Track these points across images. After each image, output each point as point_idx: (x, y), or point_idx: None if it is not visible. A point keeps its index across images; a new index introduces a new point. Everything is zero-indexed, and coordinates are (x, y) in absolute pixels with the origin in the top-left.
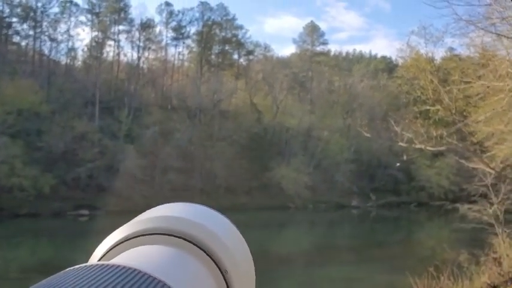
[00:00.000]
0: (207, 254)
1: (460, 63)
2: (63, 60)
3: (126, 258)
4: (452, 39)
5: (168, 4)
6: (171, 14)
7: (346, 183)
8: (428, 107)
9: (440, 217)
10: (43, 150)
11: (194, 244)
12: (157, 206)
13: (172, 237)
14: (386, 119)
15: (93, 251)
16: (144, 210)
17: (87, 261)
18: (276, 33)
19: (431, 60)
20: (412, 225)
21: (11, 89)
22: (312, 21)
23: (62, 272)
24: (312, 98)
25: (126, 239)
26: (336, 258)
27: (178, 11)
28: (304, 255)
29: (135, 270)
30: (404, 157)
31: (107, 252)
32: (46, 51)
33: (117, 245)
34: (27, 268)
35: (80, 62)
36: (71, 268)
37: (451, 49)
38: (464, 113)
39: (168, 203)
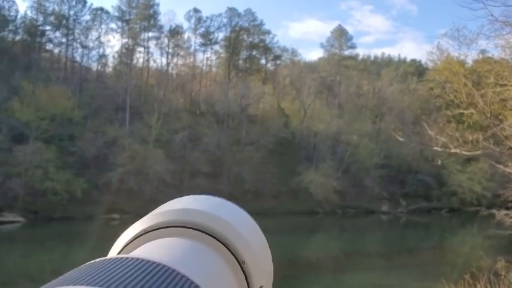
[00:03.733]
0: (225, 246)
1: (495, 65)
2: (95, 66)
3: (145, 251)
4: (486, 41)
5: (196, 10)
6: (199, 20)
7: (376, 188)
8: (461, 111)
9: (473, 223)
10: (75, 155)
11: (212, 236)
12: (175, 199)
13: (191, 229)
14: (416, 123)
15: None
16: None
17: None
18: (301, 37)
19: (464, 63)
20: (444, 231)
21: (45, 95)
22: (339, 25)
23: (83, 265)
24: (340, 102)
25: (145, 232)
26: (365, 264)
27: (207, 17)
28: (333, 261)
29: (154, 262)
30: (439, 162)
31: (126, 245)
32: (78, 58)
33: (136, 238)
34: (60, 271)
35: (110, 69)
36: (92, 261)
37: (484, 51)
38: (500, 117)
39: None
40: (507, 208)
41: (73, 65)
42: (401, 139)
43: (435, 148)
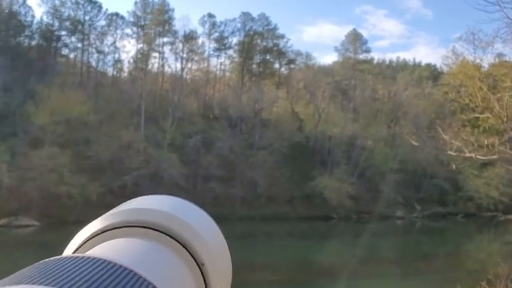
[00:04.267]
0: (184, 247)
1: None
2: (110, 71)
3: (101, 251)
4: (503, 44)
5: (210, 15)
6: (213, 25)
7: (391, 193)
8: (477, 115)
9: (490, 229)
10: (90, 159)
11: (170, 237)
12: (134, 199)
13: (149, 229)
14: (431, 127)
15: None
16: None
17: None
18: (315, 41)
19: (479, 66)
20: (460, 237)
21: (60, 99)
22: (354, 29)
23: (36, 263)
24: (355, 107)
25: (102, 231)
26: (380, 270)
27: (221, 22)
28: (347, 267)
29: (110, 262)
30: (453, 166)
31: (82, 244)
32: (93, 63)
33: (92, 237)
34: None
35: (125, 74)
36: (46, 260)
37: (500, 55)
38: None
39: (209, 211)
40: None
41: (88, 70)
42: (416, 143)
43: (449, 152)
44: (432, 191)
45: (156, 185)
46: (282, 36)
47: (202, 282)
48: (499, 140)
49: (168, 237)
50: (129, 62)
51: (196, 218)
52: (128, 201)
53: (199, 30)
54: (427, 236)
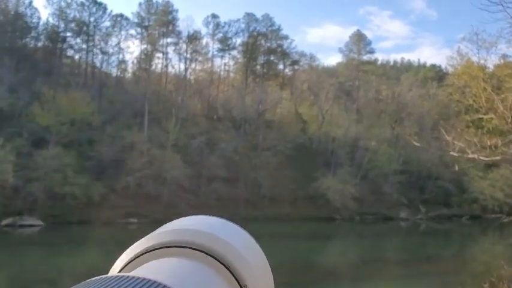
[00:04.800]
0: (227, 268)
1: None
2: (114, 72)
3: (145, 271)
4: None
5: (214, 16)
6: (217, 25)
7: (395, 194)
8: (481, 116)
9: (495, 231)
10: (94, 160)
11: (214, 257)
12: (178, 219)
13: (193, 250)
14: (436, 128)
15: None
16: None
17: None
18: (319, 42)
19: (483, 67)
20: (465, 239)
21: (65, 100)
22: (358, 30)
23: (83, 282)
24: (359, 108)
25: (146, 251)
26: (383, 272)
27: (225, 23)
28: (350, 268)
29: (155, 282)
30: (456, 167)
31: (127, 264)
32: (98, 64)
33: (137, 257)
34: (77, 275)
35: (129, 74)
36: (92, 279)
37: (505, 56)
38: None
39: (213, 212)
40: None
41: (93, 71)
42: (418, 144)
43: (452, 153)
44: (437, 192)
45: (159, 185)
46: (286, 37)
47: None
48: (503, 141)
49: (212, 258)
50: (133, 62)
51: (238, 238)
52: (172, 222)
53: (203, 30)
54: (432, 237)
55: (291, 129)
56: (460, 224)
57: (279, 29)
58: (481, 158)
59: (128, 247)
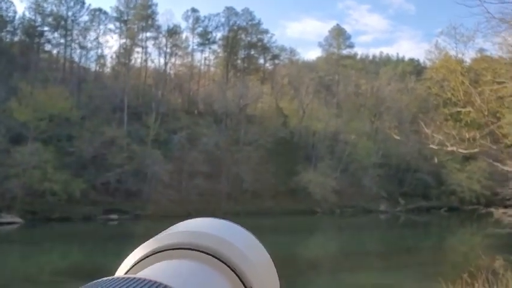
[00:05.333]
0: (232, 270)
1: (492, 63)
2: (93, 67)
3: (152, 272)
4: (483, 39)
5: (194, 10)
6: (197, 19)
7: (374, 187)
8: (459, 109)
9: (472, 222)
10: (73, 155)
11: (219, 259)
12: (184, 221)
13: (198, 252)
14: (414, 122)
15: (124, 255)
16: (171, 215)
17: (116, 267)
18: (298, 37)
19: (461, 61)
20: (443, 230)
21: (43, 96)
22: (337, 24)
23: (89, 283)
24: (339, 102)
25: (153, 253)
26: (364, 264)
27: (204, 17)
28: (331, 261)
29: (161, 284)
30: (436, 160)
31: (134, 265)
32: (76, 59)
33: (143, 258)
34: (58, 272)
35: (108, 69)
36: (99, 280)
37: (482, 50)
38: (498, 115)
39: (195, 207)
40: (505, 206)
41: (71, 66)
42: (398, 137)
43: (431, 146)
44: (415, 185)
45: (140, 181)
46: (266, 32)
47: None
48: (480, 134)
49: (217, 260)
50: (112, 57)
51: (244, 240)
52: (178, 224)
53: (183, 25)
54: (411, 229)
55: (272, 124)
56: (438, 216)
57: (259, 23)
58: (460, 150)
59: (109, 243)
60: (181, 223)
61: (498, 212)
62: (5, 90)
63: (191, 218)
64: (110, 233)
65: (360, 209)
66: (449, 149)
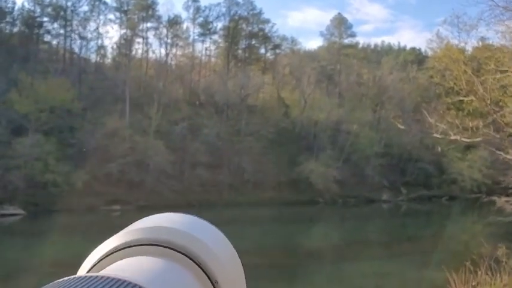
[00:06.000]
0: (197, 265)
1: (495, 52)
2: (93, 58)
3: (116, 270)
4: (486, 28)
5: (194, 0)
6: (198, 9)
7: (376, 177)
8: (461, 98)
9: (474, 211)
10: (75, 147)
11: (184, 255)
12: (147, 217)
13: (163, 247)
14: (416, 111)
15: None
16: (174, 205)
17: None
18: (299, 26)
19: (464, 50)
20: (445, 219)
21: (44, 87)
22: (339, 13)
23: (50, 284)
24: (341, 91)
25: (116, 250)
26: (366, 253)
27: (205, 7)
28: (334, 250)
29: (124, 281)
30: (439, 149)
31: (96, 263)
32: (76, 50)
33: (106, 256)
34: (61, 263)
35: (109, 60)
36: (60, 280)
37: (484, 38)
38: (500, 104)
39: (197, 198)
40: (507, 195)
41: (71, 57)
42: (402, 127)
43: (435, 135)
44: (417, 174)
45: (142, 172)
46: (267, 21)
47: None
48: (483, 123)
49: (182, 255)
50: (112, 48)
51: (210, 235)
52: (142, 219)
53: (184, 15)
54: (413, 218)
55: (273, 114)
56: (440, 205)
57: (260, 13)
58: (463, 139)
59: (112, 234)
60: (145, 218)
61: (501, 201)
62: (5, 82)
63: (189, 209)
64: (113, 223)
65: (362, 199)
66: (453, 137)
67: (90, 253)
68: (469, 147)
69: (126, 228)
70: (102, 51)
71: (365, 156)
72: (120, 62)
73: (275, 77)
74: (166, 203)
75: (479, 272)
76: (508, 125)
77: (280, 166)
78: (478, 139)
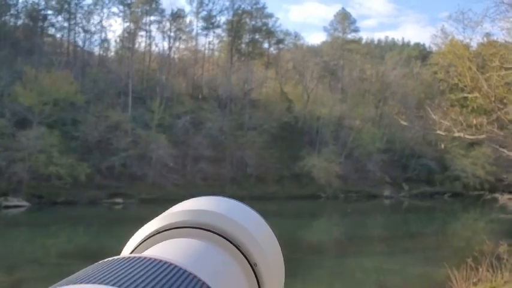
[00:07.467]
0: (237, 248)
1: (500, 48)
2: (97, 51)
3: (157, 251)
4: (491, 24)
5: None
6: (201, 3)
7: (378, 172)
8: (466, 95)
9: (476, 207)
10: (78, 140)
11: (224, 237)
12: (189, 200)
13: (203, 230)
14: (419, 107)
15: (128, 237)
16: (176, 199)
17: (122, 249)
18: (301, 21)
19: (468, 46)
20: (447, 215)
21: (48, 80)
22: (342, 8)
23: (95, 264)
24: (343, 87)
25: (157, 232)
26: (368, 248)
27: (209, 1)
28: (335, 245)
29: (166, 262)
30: (442, 146)
31: (139, 245)
32: (80, 43)
33: (148, 237)
34: (65, 254)
35: (112, 53)
36: (104, 260)
37: (489, 35)
38: (505, 101)
39: (199, 191)
40: (510, 192)
41: (75, 50)
42: (405, 123)
43: (438, 132)
44: (419, 170)
45: (144, 165)
46: (271, 16)
47: (255, 282)
48: (487, 120)
49: (222, 238)
50: (115, 41)
51: (248, 219)
52: (181, 203)
53: (187, 8)
54: (415, 215)
55: (276, 109)
56: (442, 201)
57: (263, 7)
58: (467, 136)
59: (114, 226)
60: (186, 201)
61: (503, 198)
62: (10, 75)
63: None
64: (115, 216)
65: (364, 194)
66: (456, 134)
67: (132, 235)
68: (472, 143)
69: (167, 211)
70: (105, 45)
71: (367, 151)
72: (123, 56)
73: (278, 71)
74: (169, 196)
75: (480, 269)
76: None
77: (282, 161)
78: (482, 136)
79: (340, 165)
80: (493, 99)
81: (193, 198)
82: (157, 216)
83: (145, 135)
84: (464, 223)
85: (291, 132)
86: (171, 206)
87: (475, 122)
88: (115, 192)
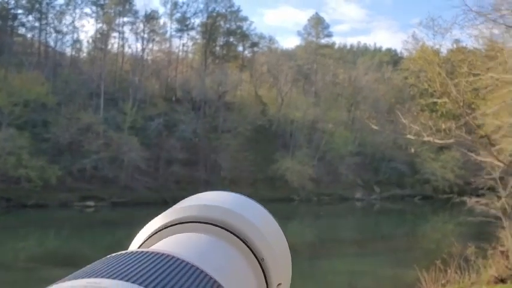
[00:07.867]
0: (244, 242)
1: (469, 55)
2: (69, 52)
3: (165, 246)
4: (460, 31)
5: None
6: (175, 5)
7: (350, 175)
8: (435, 100)
9: (445, 210)
10: (49, 142)
11: (231, 232)
12: (196, 195)
13: (210, 225)
14: (390, 111)
15: (100, 242)
16: (148, 202)
17: (94, 252)
18: (276, 25)
19: (438, 52)
20: (417, 218)
21: (18, 80)
22: (316, 13)
23: (103, 258)
24: (317, 91)
25: (165, 227)
26: (339, 250)
27: (183, 3)
28: (308, 248)
29: (173, 257)
30: (412, 150)
31: (147, 239)
32: (51, 43)
33: (156, 232)
34: (35, 258)
35: (85, 54)
36: (112, 255)
37: (458, 41)
38: (473, 106)
39: (172, 195)
40: (478, 195)
41: (46, 50)
42: (376, 127)
43: (409, 136)
44: (390, 173)
45: (116, 168)
46: (246, 19)
47: (263, 277)
48: (456, 124)
49: (229, 232)
50: (88, 42)
51: (255, 213)
52: (189, 198)
53: (161, 10)
54: (385, 217)
55: (250, 112)
56: (412, 204)
57: (238, 10)
58: (436, 140)
59: (85, 230)
60: (193, 196)
61: (471, 201)
62: None
63: (170, 205)
64: (87, 219)
65: (336, 197)
66: (426, 139)
67: (139, 231)
68: (442, 148)
69: (174, 206)
70: (77, 45)
71: (339, 155)
72: (96, 57)
73: (253, 74)
74: (141, 199)
75: (449, 271)
76: (479, 127)
77: (256, 163)
78: (451, 140)
79: (313, 168)
80: (461, 104)
81: (201, 193)
82: (128, 220)
83: (118, 137)
84: (434, 225)
85: (265, 135)
86: (143, 210)
87: (444, 126)
88: (86, 195)
